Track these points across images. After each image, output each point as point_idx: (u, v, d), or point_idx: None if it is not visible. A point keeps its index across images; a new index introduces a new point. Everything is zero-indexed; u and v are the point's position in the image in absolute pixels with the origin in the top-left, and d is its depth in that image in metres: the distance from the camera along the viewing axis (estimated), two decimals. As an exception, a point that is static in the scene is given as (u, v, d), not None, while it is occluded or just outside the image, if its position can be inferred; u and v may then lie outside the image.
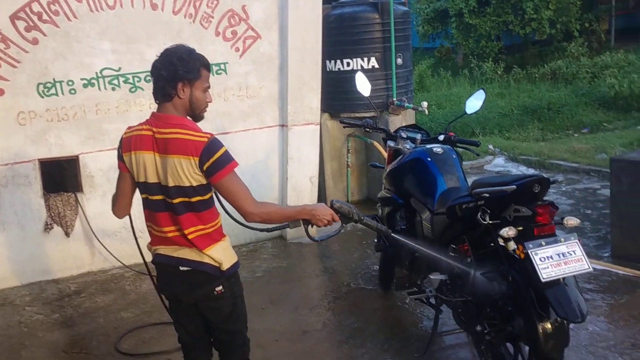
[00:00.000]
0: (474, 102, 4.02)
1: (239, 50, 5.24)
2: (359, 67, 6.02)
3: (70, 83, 4.79)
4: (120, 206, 2.64)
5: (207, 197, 2.45)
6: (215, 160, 2.35)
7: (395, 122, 5.93)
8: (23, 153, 4.76)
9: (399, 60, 6.14)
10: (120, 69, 4.90)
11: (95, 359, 3.80)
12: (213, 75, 4.83)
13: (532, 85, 14.17)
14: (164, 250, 2.52)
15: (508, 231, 2.81)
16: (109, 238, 5.04)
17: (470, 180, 3.53)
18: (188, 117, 2.48)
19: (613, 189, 4.80)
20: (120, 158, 2.52)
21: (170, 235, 2.47)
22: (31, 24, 4.60)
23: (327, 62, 6.20)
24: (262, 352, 3.64)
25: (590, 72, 13.73)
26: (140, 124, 2.48)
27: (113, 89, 4.91)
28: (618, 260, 4.67)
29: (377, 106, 5.12)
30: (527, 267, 2.75)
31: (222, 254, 2.49)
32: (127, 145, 2.47)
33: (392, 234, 3.08)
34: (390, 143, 4.18)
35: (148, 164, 2.42)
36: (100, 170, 4.98)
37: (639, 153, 5.23)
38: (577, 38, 16.13)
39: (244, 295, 2.65)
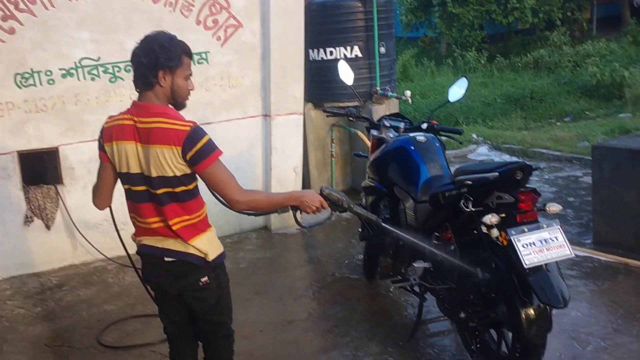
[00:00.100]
0: (457, 90, 4.02)
1: (220, 39, 5.19)
2: (342, 56, 5.99)
3: (48, 73, 4.71)
4: (101, 197, 2.59)
5: (191, 187, 2.42)
6: (198, 149, 2.31)
7: (379, 111, 5.91)
8: (1, 145, 4.68)
9: (382, 49, 6.12)
10: (99, 58, 4.83)
11: (77, 352, 3.75)
12: (194, 64, 4.79)
13: (515, 74, 14.26)
14: (148, 241, 2.49)
15: (491, 218, 2.82)
16: (91, 230, 4.98)
17: (453, 168, 3.53)
18: (170, 106, 2.43)
19: (595, 176, 4.83)
20: (101, 148, 2.47)
21: (154, 226, 2.43)
22: (7, 13, 4.50)
23: (310, 51, 6.17)
24: (247, 343, 3.62)
25: (572, 61, 13.85)
26: (122, 113, 2.43)
27: (92, 79, 4.83)
28: (600, 246, 4.72)
29: (360, 95, 5.10)
30: (509, 253, 2.76)
31: (207, 245, 2.46)
32: (109, 135, 2.42)
33: (383, 224, 3.00)
34: (374, 132, 4.17)
35: (130, 154, 2.37)
36: (81, 162, 4.91)
37: (620, 140, 5.27)
38: (559, 27, 16.25)
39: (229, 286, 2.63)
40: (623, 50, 14.34)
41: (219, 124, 5.22)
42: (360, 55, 6.09)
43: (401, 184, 3.71)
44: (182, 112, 2.48)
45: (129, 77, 4.84)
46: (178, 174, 2.34)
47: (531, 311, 2.76)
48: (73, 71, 4.77)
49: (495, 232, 2.84)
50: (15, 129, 4.69)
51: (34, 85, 4.67)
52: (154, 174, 2.35)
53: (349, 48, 6.08)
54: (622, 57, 13.44)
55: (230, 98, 5.34)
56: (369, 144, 4.51)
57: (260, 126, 5.52)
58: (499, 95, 12.40)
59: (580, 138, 8.28)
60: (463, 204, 2.98)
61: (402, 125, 4.05)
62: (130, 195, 2.47)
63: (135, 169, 2.39)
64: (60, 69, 4.74)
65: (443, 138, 4.09)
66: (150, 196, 2.40)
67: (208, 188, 2.50)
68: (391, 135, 3.99)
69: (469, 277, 3.01)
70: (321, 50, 6.16)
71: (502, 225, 2.82)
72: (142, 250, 2.53)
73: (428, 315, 3.76)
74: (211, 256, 2.46)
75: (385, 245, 3.91)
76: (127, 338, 3.88)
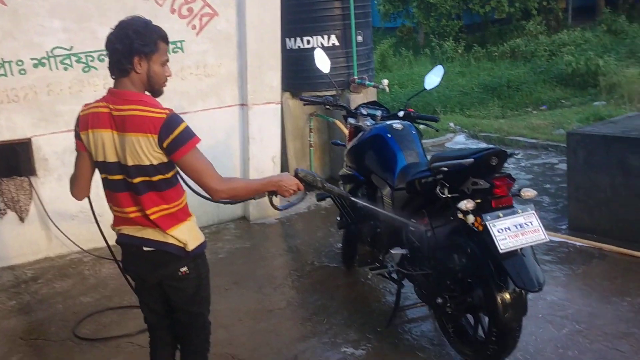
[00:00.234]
0: (433, 78, 4.03)
1: (195, 28, 5.13)
2: (319, 45, 5.96)
3: (19, 63, 4.61)
4: (79, 187, 2.53)
5: (169, 175, 2.37)
6: (175, 137, 2.26)
7: (357, 100, 5.91)
8: (-28, 136, 4.60)
9: (359, 38, 6.10)
10: (72, 48, 4.74)
11: (54, 345, 3.71)
12: (170, 53, 4.71)
13: (492, 64, 14.38)
14: (127, 230, 2.45)
15: (466, 204, 2.83)
16: (66, 222, 4.91)
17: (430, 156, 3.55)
18: (146, 93, 2.39)
19: (570, 162, 4.89)
20: (77, 137, 2.42)
21: (132, 215, 2.39)
22: (-24, 1, 4.41)
23: (287, 40, 6.13)
24: (225, 332, 3.62)
25: (548, 50, 13.99)
26: (97, 101, 2.37)
27: (65, 68, 4.75)
28: (575, 232, 4.78)
29: (338, 84, 5.09)
30: (485, 238, 2.78)
31: (187, 234, 2.42)
32: (84, 123, 2.37)
33: (352, 198, 3.16)
34: (351, 120, 4.17)
35: (106, 142, 2.32)
36: (54, 153, 4.83)
37: (594, 127, 5.34)
38: (535, 17, 16.39)
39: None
40: (598, 39, 14.52)
41: (195, 114, 5.17)
42: (337, 44, 6.08)
43: (378, 172, 3.71)
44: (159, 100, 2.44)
45: (102, 66, 4.79)
46: (155, 162, 2.30)
47: (507, 295, 2.79)
48: (45, 61, 4.68)
49: (471, 218, 2.85)
50: (-14, 120, 4.60)
51: (5, 75, 4.57)
52: (130, 162, 2.30)
53: (326, 37, 6.06)
54: (597, 46, 13.62)
55: (207, 87, 5.29)
56: (346, 132, 4.51)
57: (238, 116, 5.48)
58: (476, 85, 12.50)
59: (556, 126, 8.38)
60: (439, 190, 2.99)
61: (379, 113, 4.05)
62: (107, 185, 2.42)
63: (111, 157, 2.34)
64: (32, 59, 4.64)
65: (421, 127, 4.10)
66: (127, 185, 2.35)
67: (182, 180, 2.47)
68: (368, 123, 3.98)
69: (445, 263, 3.03)
70: (298, 39, 6.12)
71: (478, 211, 2.83)
72: (121, 239, 2.50)
73: (406, 301, 3.79)
74: (191, 246, 2.43)
75: (363, 233, 3.92)
76: (103, 330, 3.84)
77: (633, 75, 10.27)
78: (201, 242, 2.50)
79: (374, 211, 3.42)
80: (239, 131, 5.51)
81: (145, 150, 2.27)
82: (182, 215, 2.45)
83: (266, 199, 2.59)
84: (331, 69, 4.29)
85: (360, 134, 3.96)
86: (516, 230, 2.78)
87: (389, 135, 3.69)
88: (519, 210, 2.85)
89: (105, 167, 2.38)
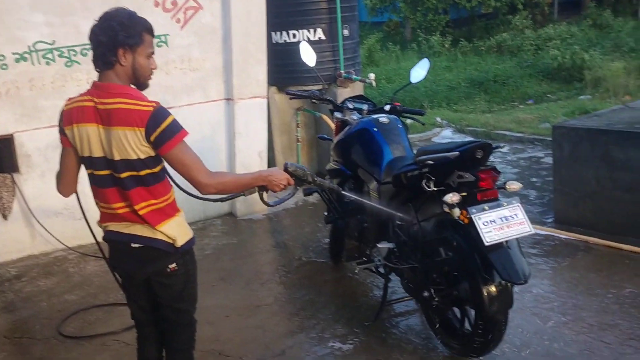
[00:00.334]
0: (419, 71, 4.02)
1: (180, 22, 5.08)
2: (305, 39, 5.92)
3: (1, 58, 4.54)
4: (65, 184, 2.48)
5: (157, 169, 2.33)
6: (162, 130, 2.23)
7: (344, 94, 5.87)
8: (-47, 133, 4.52)
9: (346, 32, 6.08)
10: (54, 42, 4.67)
11: (38, 344, 3.66)
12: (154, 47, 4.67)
13: (478, 58, 14.42)
14: (114, 227, 2.40)
15: (452, 197, 2.83)
16: (50, 219, 4.85)
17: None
18: (132, 86, 2.34)
19: (555, 155, 4.91)
20: (61, 132, 2.36)
21: (119, 211, 2.35)
22: (-45, -5, 4.33)
23: (273, 33, 6.09)
24: (212, 328, 3.60)
25: (534, 45, 14.06)
26: (81, 95, 2.32)
27: (47, 63, 4.68)
28: (560, 225, 4.81)
29: (324, 79, 5.07)
30: (471, 231, 2.78)
31: (176, 230, 2.39)
32: (68, 118, 2.32)
33: (342, 191, 3.14)
34: (337, 114, 4.15)
35: (92, 137, 2.28)
36: (37, 149, 4.76)
37: (579, 120, 5.37)
38: (521, 11, 16.45)
39: (194, 273, 2.58)
40: (583, 33, 14.61)
41: (180, 108, 5.11)
42: (323, 37, 6.05)
43: (365, 166, 3.70)
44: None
45: (85, 61, 4.73)
46: (142, 156, 2.26)
47: (492, 288, 2.79)
48: (27, 55, 4.61)
49: (456, 211, 2.85)
50: (-33, 116, 4.53)
51: (-14, 70, 4.51)
52: (116, 157, 2.26)
53: (312, 30, 6.02)
54: (583, 40, 13.70)
55: (192, 82, 5.24)
56: (333, 127, 4.49)
57: (223, 110, 5.44)
58: (463, 79, 12.53)
59: (542, 120, 8.42)
60: (425, 183, 2.99)
61: (365, 107, 4.04)
62: (93, 180, 2.38)
63: (97, 152, 2.30)
64: (13, 54, 4.57)
65: (408, 121, 4.09)
66: (114, 180, 2.31)
67: (169, 176, 2.43)
68: (354, 117, 3.97)
69: (432, 256, 3.03)
70: (284, 33, 6.09)
71: (463, 204, 2.83)
72: (109, 236, 2.45)
73: (393, 295, 3.79)
74: (180, 242, 2.39)
75: (350, 227, 3.91)
76: (89, 327, 3.80)
77: (618, 69, 10.34)
78: (190, 237, 2.47)
79: (364, 204, 3.41)
80: (225, 126, 5.47)
81: (132, 144, 2.23)
82: (171, 210, 2.41)
83: (256, 195, 2.55)
84: (317, 63, 4.26)
85: (347, 128, 3.95)
86: (502, 223, 2.78)
87: (376, 129, 3.68)
88: (505, 203, 2.85)
89: (91, 163, 2.34)
